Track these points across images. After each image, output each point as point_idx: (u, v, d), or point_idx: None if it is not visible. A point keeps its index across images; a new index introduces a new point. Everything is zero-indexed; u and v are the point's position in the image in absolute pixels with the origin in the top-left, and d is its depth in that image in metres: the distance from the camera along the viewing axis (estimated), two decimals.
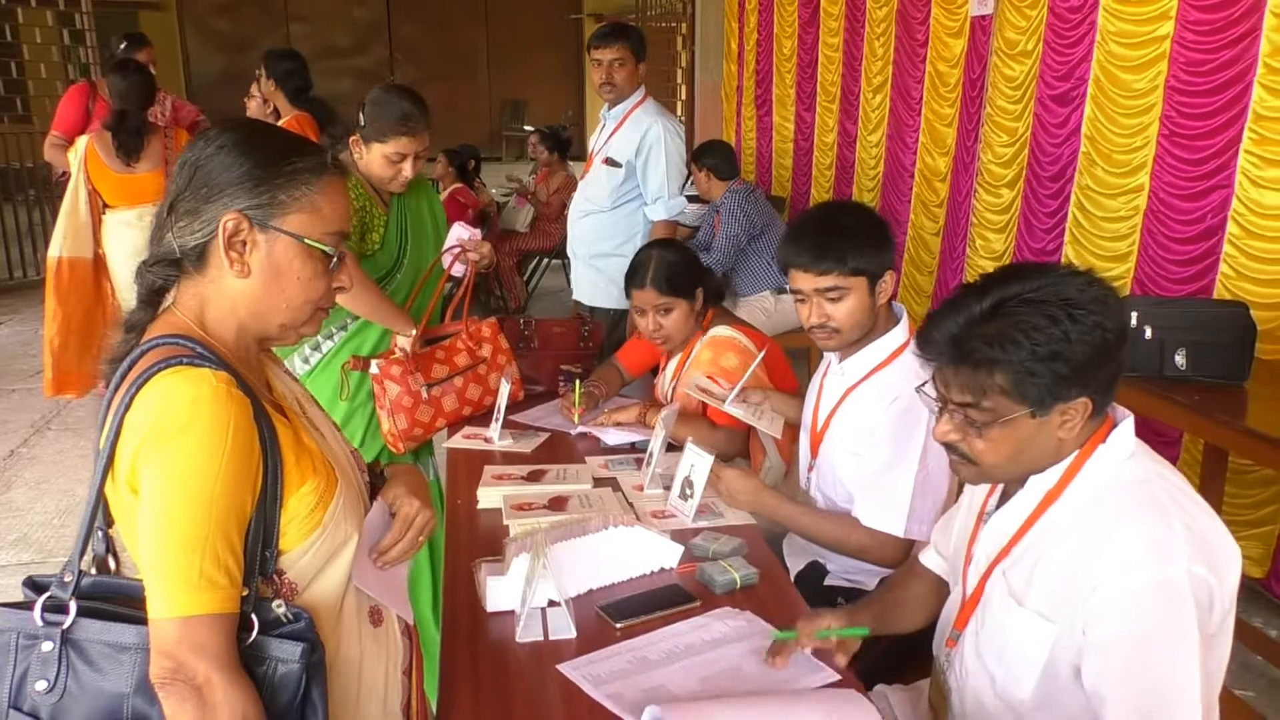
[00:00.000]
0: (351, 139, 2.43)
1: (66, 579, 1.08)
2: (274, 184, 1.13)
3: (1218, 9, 3.09)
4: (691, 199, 5.45)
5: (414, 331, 2.40)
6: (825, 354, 2.11)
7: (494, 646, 1.53)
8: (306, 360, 2.51)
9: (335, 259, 1.19)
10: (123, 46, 5.29)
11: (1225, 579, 1.24)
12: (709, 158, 4.88)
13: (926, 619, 1.64)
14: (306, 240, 1.15)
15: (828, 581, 2.04)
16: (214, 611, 1.03)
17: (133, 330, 1.15)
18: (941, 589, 1.64)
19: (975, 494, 1.54)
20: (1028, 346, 1.24)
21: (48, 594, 1.08)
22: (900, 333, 1.99)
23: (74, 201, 4.47)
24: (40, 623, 1.06)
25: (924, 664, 1.63)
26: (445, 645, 1.54)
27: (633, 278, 2.48)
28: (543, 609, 1.59)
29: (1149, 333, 2.71)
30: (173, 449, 1.03)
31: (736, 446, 2.42)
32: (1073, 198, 3.75)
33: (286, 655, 1.08)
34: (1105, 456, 1.31)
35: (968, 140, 4.49)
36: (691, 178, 4.95)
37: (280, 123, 4.39)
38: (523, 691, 1.43)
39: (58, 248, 4.53)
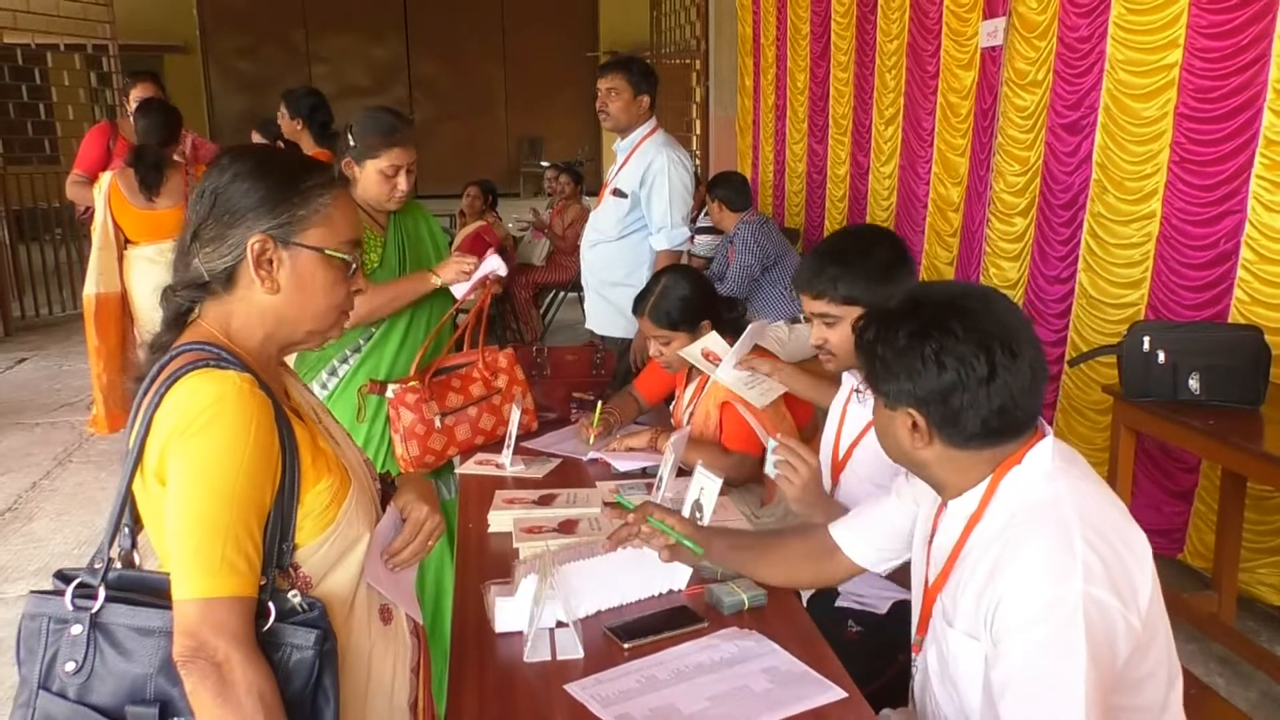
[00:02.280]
0: (344, 163, 2.45)
1: (96, 566, 1.14)
2: (292, 203, 1.22)
3: (1226, 36, 3.10)
4: (705, 230, 5.49)
5: (438, 280, 2.47)
6: (844, 377, 2.11)
7: (502, 666, 1.54)
8: (324, 385, 2.54)
9: (353, 265, 1.28)
10: (129, 82, 5.41)
11: (1136, 597, 1.24)
12: (721, 189, 4.92)
13: (785, 580, 1.69)
14: (327, 251, 1.24)
15: (839, 603, 2.03)
16: (234, 594, 1.10)
17: (159, 350, 1.22)
18: (821, 559, 1.67)
19: (922, 515, 1.54)
20: (873, 340, 1.35)
21: (77, 581, 1.14)
22: None
23: (104, 237, 4.56)
24: (70, 608, 1.12)
25: None
26: (454, 664, 1.55)
27: (637, 305, 2.51)
28: (551, 629, 1.60)
29: (1162, 357, 2.71)
30: (200, 441, 1.10)
31: (748, 472, 2.41)
32: (1085, 225, 3.75)
33: (301, 642, 1.14)
34: (1018, 477, 1.33)
35: (980, 170, 4.51)
36: (706, 209, 4.99)
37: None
38: (530, 711, 1.43)
39: (93, 284, 4.62)
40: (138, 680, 1.11)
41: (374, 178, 2.44)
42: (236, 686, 1.07)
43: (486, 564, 1.89)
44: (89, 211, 4.94)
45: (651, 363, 2.70)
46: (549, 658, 1.55)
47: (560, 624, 1.61)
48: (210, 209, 1.21)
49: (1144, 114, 3.43)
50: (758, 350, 2.34)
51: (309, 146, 4.45)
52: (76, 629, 1.12)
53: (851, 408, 2.07)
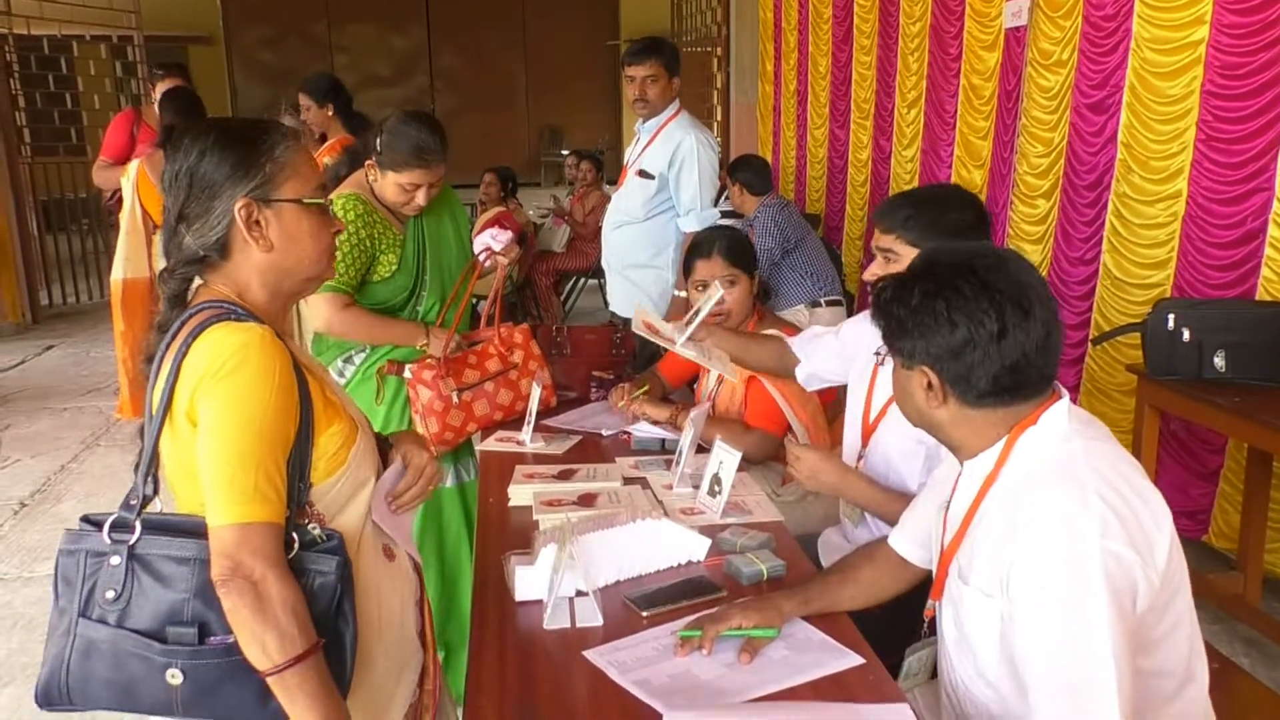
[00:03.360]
0: (368, 163, 2.43)
1: (132, 502, 1.23)
2: (261, 164, 1.29)
3: (1253, 12, 3.06)
4: (726, 215, 5.47)
5: (424, 340, 2.45)
6: (869, 351, 2.08)
7: (522, 634, 1.55)
8: (341, 374, 2.55)
9: (330, 205, 1.37)
10: (157, 74, 5.43)
11: (1153, 554, 1.24)
12: (742, 173, 4.90)
13: (869, 601, 1.65)
14: (305, 200, 1.32)
15: None
16: (267, 520, 1.18)
17: (164, 329, 1.28)
18: (895, 572, 1.65)
19: (938, 487, 1.54)
20: (889, 299, 1.37)
21: (114, 514, 1.22)
22: None
23: (132, 222, 4.61)
24: (108, 541, 1.21)
25: None
26: (474, 633, 1.56)
27: (697, 250, 2.57)
28: (570, 598, 1.61)
29: (1187, 334, 2.68)
30: (230, 383, 1.19)
31: (769, 449, 2.41)
32: (1110, 206, 3.71)
33: (324, 567, 1.23)
34: (1034, 438, 1.33)
35: (1004, 152, 4.47)
36: (726, 193, 4.97)
37: (327, 144, 4.46)
38: (549, 677, 1.44)
39: (120, 269, 4.67)
40: (175, 604, 1.19)
41: (392, 188, 2.40)
42: (272, 602, 1.16)
43: (507, 536, 1.90)
44: (116, 198, 4.99)
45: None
46: (568, 625, 1.56)
47: (580, 593, 1.61)
48: (189, 188, 1.27)
49: (1170, 92, 3.39)
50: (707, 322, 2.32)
51: (337, 132, 4.45)
52: (115, 560, 1.20)
53: (883, 372, 2.06)
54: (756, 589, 1.68)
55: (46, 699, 1.23)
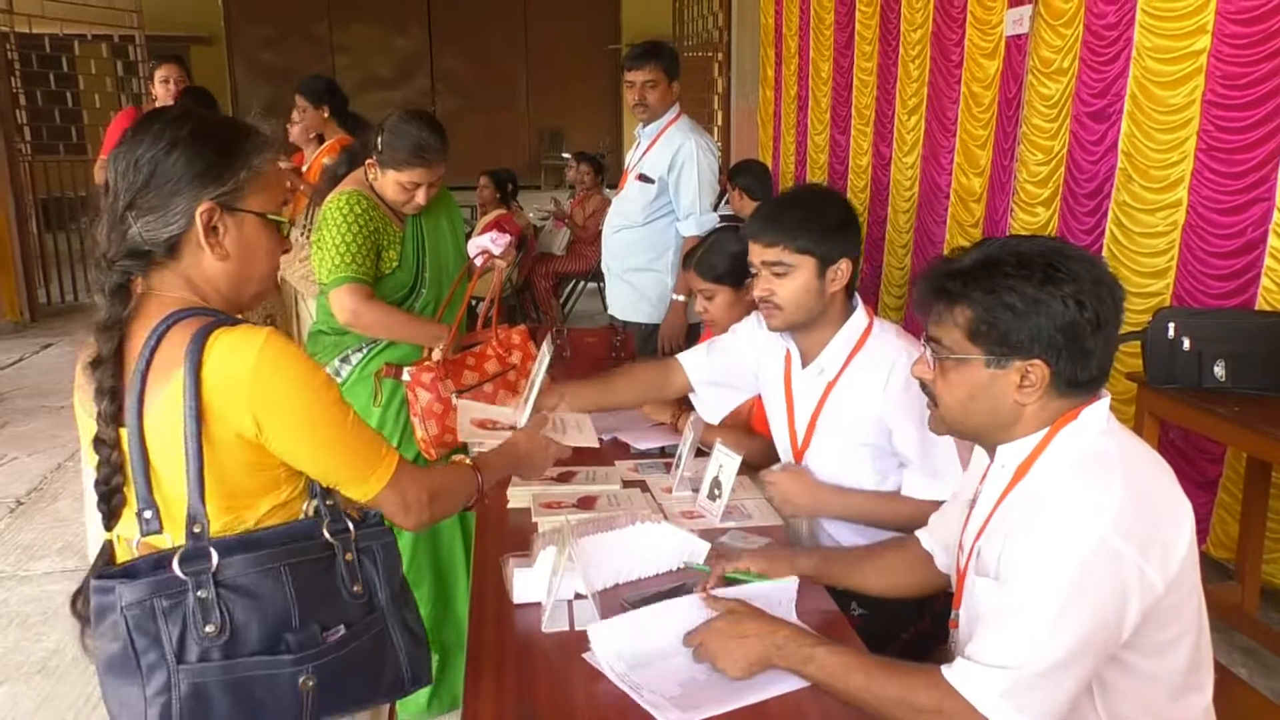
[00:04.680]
0: (369, 161, 2.45)
1: (196, 530, 1.15)
2: (235, 170, 1.23)
3: (1255, 22, 3.06)
4: (725, 219, 5.47)
5: (446, 338, 2.43)
6: (774, 361, 2.10)
7: (520, 636, 1.54)
8: (337, 373, 2.55)
9: (287, 227, 1.33)
10: (153, 65, 5.42)
11: (1165, 558, 1.22)
12: (743, 177, 4.91)
13: (886, 588, 1.65)
14: (269, 215, 1.28)
15: None
16: (393, 465, 1.30)
17: (112, 328, 1.19)
18: (920, 567, 1.64)
19: (965, 485, 1.54)
20: (993, 291, 1.28)
21: (183, 547, 1.15)
22: (861, 318, 1.98)
23: None
24: (183, 577, 1.13)
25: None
26: (472, 634, 1.55)
27: (686, 260, 2.57)
28: (569, 601, 1.60)
29: (1187, 344, 2.68)
30: (283, 380, 1.18)
31: (772, 456, 2.39)
32: (1110, 214, 3.72)
33: (385, 539, 1.31)
34: (1074, 432, 1.32)
35: (1004, 160, 4.48)
36: (726, 198, 4.98)
37: (325, 144, 4.46)
38: (548, 678, 1.43)
39: None
40: (280, 613, 1.17)
41: (393, 186, 2.42)
42: (442, 499, 1.39)
43: (505, 538, 1.89)
44: None
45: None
46: (566, 628, 1.55)
47: (579, 595, 1.61)
48: (150, 177, 1.19)
49: (1171, 101, 3.39)
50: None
51: (334, 133, 4.46)
52: (203, 592, 1.13)
53: (798, 382, 2.05)
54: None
55: None
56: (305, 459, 1.22)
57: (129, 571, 1.14)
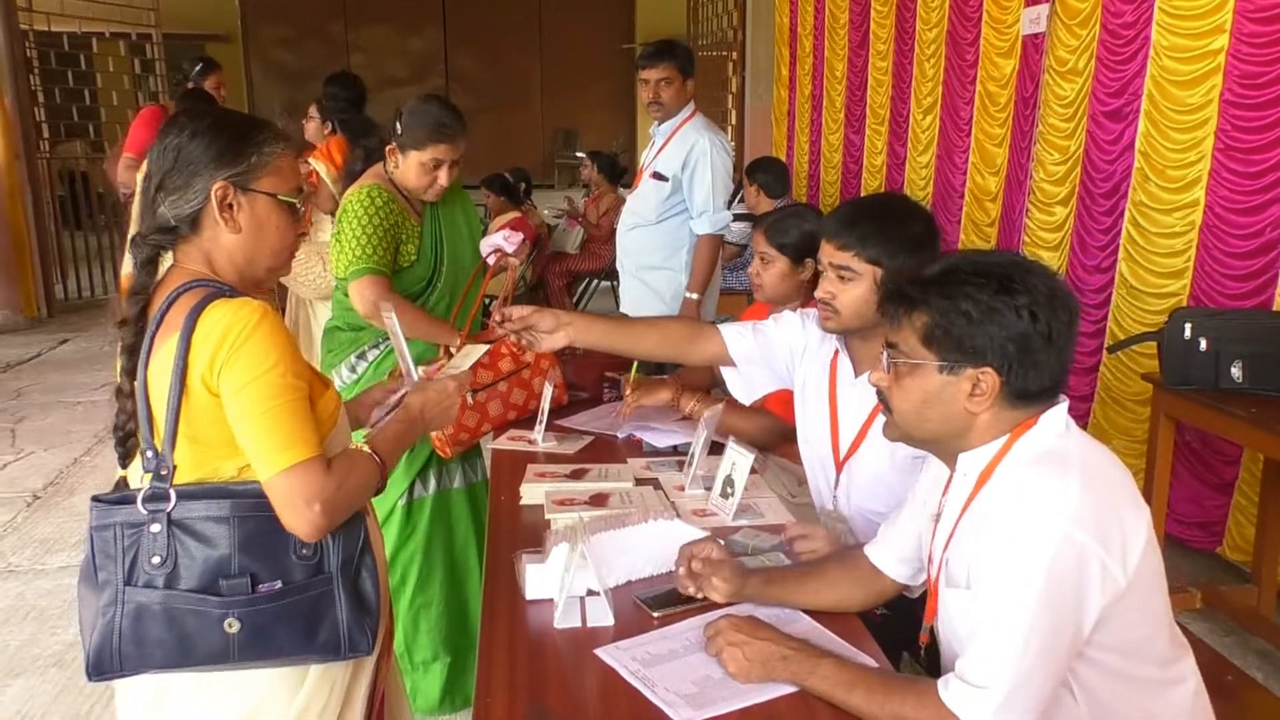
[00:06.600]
0: (388, 149, 2.47)
1: (163, 473, 1.30)
2: (246, 154, 1.38)
3: (1273, 21, 3.04)
4: (740, 217, 5.48)
5: (459, 340, 2.44)
6: (817, 361, 2.06)
7: (532, 632, 1.54)
8: (353, 369, 2.56)
9: (300, 210, 1.46)
10: (197, 70, 5.46)
11: (1125, 553, 1.24)
12: (761, 174, 4.91)
13: (832, 603, 1.60)
14: (280, 196, 1.42)
15: None
16: (308, 457, 1.30)
17: (139, 294, 1.37)
18: (867, 581, 1.62)
19: (928, 497, 1.53)
20: (950, 297, 1.31)
21: (148, 486, 1.30)
22: None
23: None
24: (144, 511, 1.29)
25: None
26: (484, 631, 1.55)
27: (758, 222, 2.55)
28: (581, 598, 1.61)
29: (1204, 344, 2.67)
30: (249, 348, 1.28)
31: (784, 435, 2.35)
32: (1127, 214, 3.70)
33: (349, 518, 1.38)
34: (1032, 438, 1.33)
35: (1020, 159, 4.46)
36: (741, 193, 4.98)
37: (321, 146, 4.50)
38: (559, 675, 1.44)
39: (129, 263, 4.68)
40: (222, 560, 1.30)
41: (415, 169, 2.44)
42: (339, 508, 1.32)
43: (518, 535, 1.89)
44: (132, 194, 5.01)
45: None
46: (579, 624, 1.55)
47: (591, 592, 1.61)
48: (175, 161, 1.36)
49: (1188, 101, 3.37)
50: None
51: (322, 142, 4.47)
52: (156, 527, 1.29)
53: (846, 388, 1.98)
54: None
55: (98, 669, 1.29)
56: (235, 420, 1.29)
57: (107, 499, 1.31)
